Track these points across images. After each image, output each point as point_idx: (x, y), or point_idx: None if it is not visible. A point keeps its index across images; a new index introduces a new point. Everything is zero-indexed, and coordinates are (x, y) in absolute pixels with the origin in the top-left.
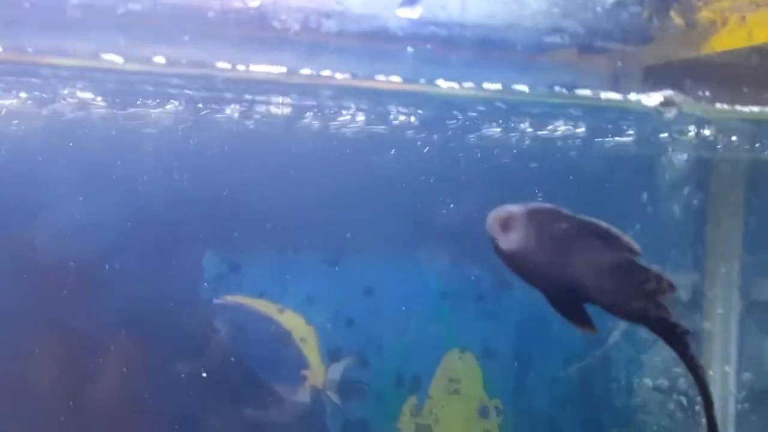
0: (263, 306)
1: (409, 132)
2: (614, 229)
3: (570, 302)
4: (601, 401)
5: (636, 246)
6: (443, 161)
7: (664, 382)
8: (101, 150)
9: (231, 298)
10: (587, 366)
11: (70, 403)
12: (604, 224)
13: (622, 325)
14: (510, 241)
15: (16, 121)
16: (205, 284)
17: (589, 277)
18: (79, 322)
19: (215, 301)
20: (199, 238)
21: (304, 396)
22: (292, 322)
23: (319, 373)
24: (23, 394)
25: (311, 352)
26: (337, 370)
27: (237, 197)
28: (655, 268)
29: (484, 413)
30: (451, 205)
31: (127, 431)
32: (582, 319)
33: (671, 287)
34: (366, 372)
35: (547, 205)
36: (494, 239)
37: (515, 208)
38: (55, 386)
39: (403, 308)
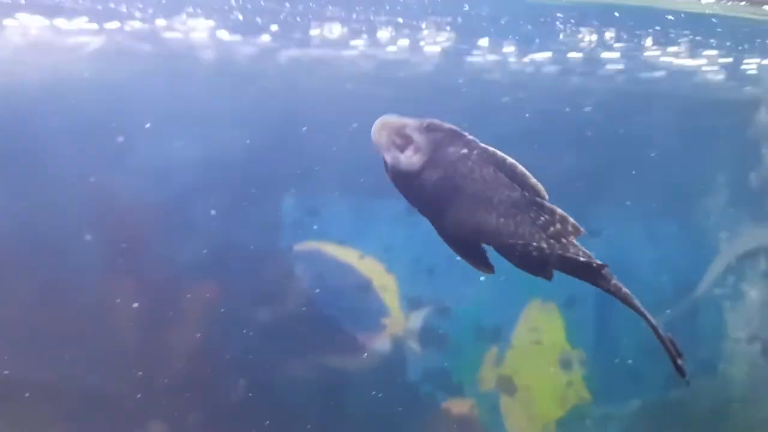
0: (343, 253)
1: None
2: (521, 167)
3: (464, 239)
4: (686, 350)
5: (542, 189)
6: None
7: (747, 333)
8: None
9: (312, 245)
10: (673, 314)
11: (151, 345)
12: (510, 159)
13: (712, 274)
14: (406, 159)
15: None
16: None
17: (488, 213)
18: (159, 265)
19: (296, 247)
20: (279, 183)
21: (383, 344)
22: (373, 269)
23: (399, 321)
24: (104, 338)
25: (391, 300)
26: (417, 319)
27: (320, 142)
28: (560, 210)
29: (566, 364)
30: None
31: (207, 376)
32: (478, 258)
33: (577, 230)
34: (446, 321)
35: (447, 124)
36: (382, 153)
37: (410, 121)
38: (136, 329)
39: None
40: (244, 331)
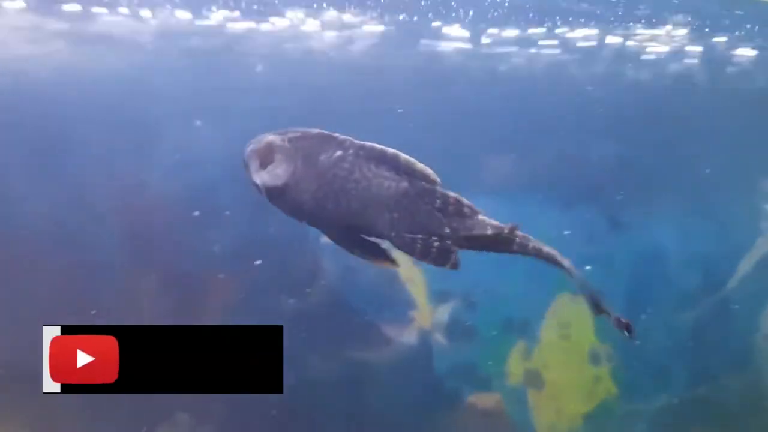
0: None
1: None
2: (404, 156)
3: (355, 238)
4: (715, 348)
5: (431, 173)
6: None
7: None
8: None
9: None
10: (701, 311)
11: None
12: (391, 150)
13: (740, 272)
14: (271, 176)
15: None
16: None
17: (379, 211)
18: (187, 256)
19: (323, 239)
20: None
21: (410, 337)
22: (400, 262)
23: (426, 314)
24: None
25: (418, 293)
26: (444, 312)
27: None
28: (453, 193)
29: (594, 358)
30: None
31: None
32: (380, 255)
33: (474, 209)
34: (474, 315)
35: (315, 131)
36: (251, 174)
37: (274, 137)
38: (162, 320)
39: None
40: (271, 323)
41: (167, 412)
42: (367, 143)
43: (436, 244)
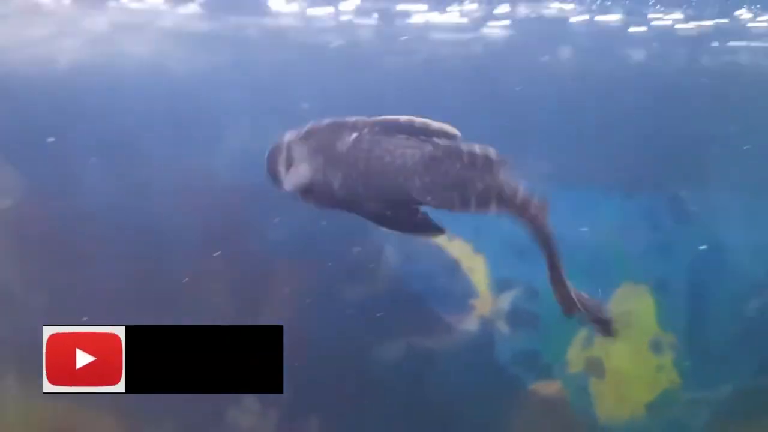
0: None
1: None
2: (418, 119)
3: (399, 213)
4: None
5: (451, 129)
6: None
7: None
8: None
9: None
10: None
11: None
12: (403, 117)
13: None
14: (297, 175)
15: None
16: None
17: (410, 180)
18: (252, 245)
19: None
20: None
21: (471, 325)
22: (461, 250)
23: (487, 302)
24: (197, 316)
25: (479, 281)
26: (505, 300)
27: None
28: (477, 145)
29: (656, 347)
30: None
31: (295, 355)
32: (425, 226)
33: (500, 158)
34: (535, 303)
35: (325, 120)
36: (278, 182)
37: (288, 137)
38: (230, 309)
39: (575, 238)
40: (334, 312)
41: (236, 395)
42: (379, 117)
43: (474, 192)
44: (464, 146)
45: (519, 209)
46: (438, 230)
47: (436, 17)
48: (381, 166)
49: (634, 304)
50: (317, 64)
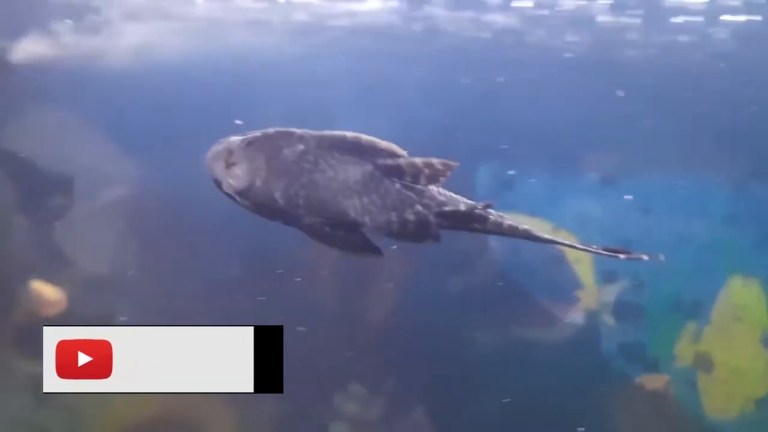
0: (536, 225)
1: None
2: (366, 137)
3: (337, 231)
4: None
5: (396, 148)
6: None
7: None
8: None
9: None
10: None
11: (351, 310)
12: (351, 133)
13: None
14: (236, 177)
15: None
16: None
17: (349, 198)
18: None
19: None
20: (472, 152)
21: (576, 317)
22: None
23: (592, 294)
24: (301, 306)
25: (585, 272)
26: (611, 292)
27: (511, 110)
28: (419, 159)
29: None
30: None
31: (400, 344)
32: (362, 247)
33: (448, 166)
34: (642, 295)
35: (273, 129)
36: (217, 180)
37: (234, 139)
38: (335, 296)
39: (683, 230)
40: (439, 304)
41: (342, 382)
42: (327, 132)
43: (412, 218)
44: (407, 165)
45: (472, 224)
46: (375, 251)
47: None
48: (323, 180)
49: (744, 298)
50: None
